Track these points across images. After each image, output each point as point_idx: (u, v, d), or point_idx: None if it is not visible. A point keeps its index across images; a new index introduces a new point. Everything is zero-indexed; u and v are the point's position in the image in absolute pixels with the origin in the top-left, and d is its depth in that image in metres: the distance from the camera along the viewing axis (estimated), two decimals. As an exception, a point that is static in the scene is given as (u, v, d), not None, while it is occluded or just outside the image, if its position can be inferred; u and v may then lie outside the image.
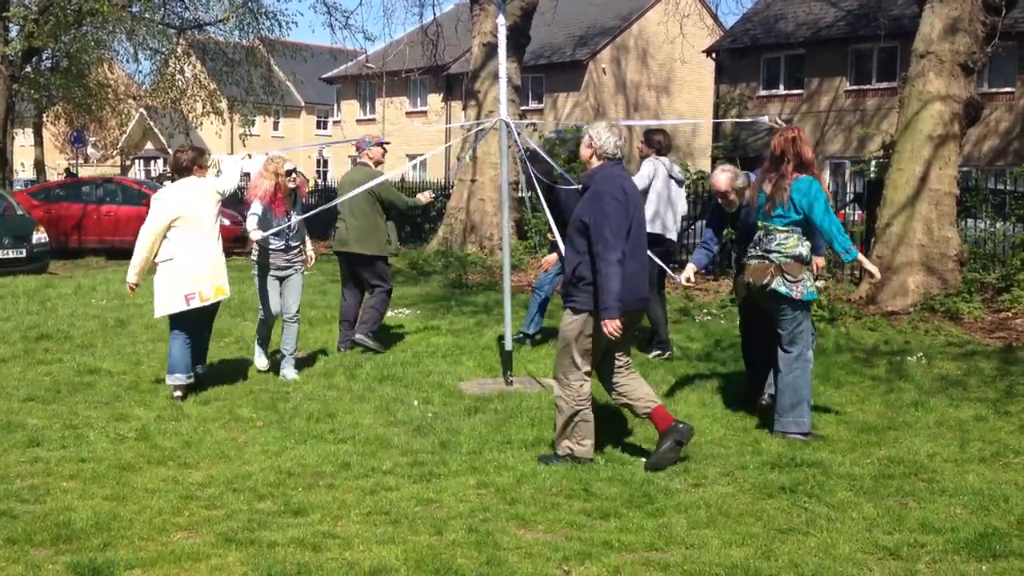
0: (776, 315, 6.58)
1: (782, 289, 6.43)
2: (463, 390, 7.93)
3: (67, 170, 40.26)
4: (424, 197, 9.52)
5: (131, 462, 5.99)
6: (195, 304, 7.54)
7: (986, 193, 14.46)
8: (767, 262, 6.50)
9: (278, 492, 5.47)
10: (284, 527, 4.93)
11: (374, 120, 43.25)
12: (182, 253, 7.53)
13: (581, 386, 6.04)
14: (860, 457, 6.16)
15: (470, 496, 5.44)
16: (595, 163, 6.00)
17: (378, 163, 9.38)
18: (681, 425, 6.02)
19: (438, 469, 5.88)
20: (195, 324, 7.75)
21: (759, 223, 6.65)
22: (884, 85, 28.06)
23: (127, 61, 28.55)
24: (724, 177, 7.34)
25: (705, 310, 11.87)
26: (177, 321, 7.60)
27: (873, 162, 17.18)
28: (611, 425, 6.83)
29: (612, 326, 5.68)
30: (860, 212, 15.75)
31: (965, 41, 11.85)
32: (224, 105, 27.61)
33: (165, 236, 7.57)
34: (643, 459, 6.11)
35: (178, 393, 7.56)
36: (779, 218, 6.49)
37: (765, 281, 6.47)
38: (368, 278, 9.24)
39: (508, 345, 8.18)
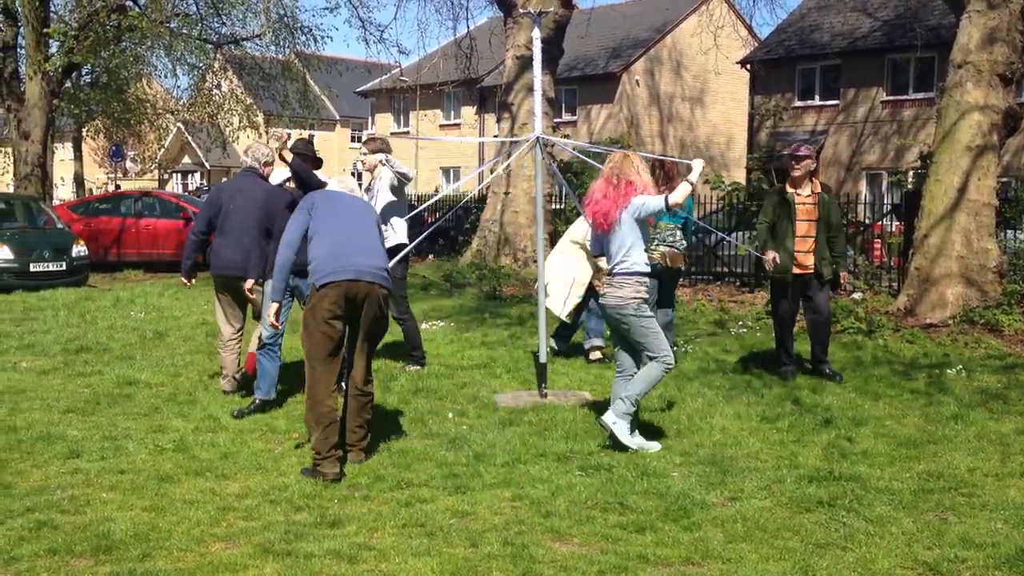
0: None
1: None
2: (498, 402, 7.93)
3: (117, 185, 40.80)
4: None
5: (169, 473, 6.05)
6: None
7: (1026, 204, 14.29)
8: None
9: (314, 504, 5.50)
10: (320, 538, 4.95)
11: (408, 133, 43.47)
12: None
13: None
14: (899, 471, 6.10)
15: (505, 509, 5.44)
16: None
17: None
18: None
19: (473, 482, 5.89)
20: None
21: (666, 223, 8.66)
22: (921, 95, 27.84)
23: (165, 76, 28.98)
24: None
25: (740, 322, 11.81)
26: None
27: (911, 173, 17.03)
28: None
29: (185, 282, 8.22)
30: (898, 223, 15.62)
31: (1003, 51, 11.73)
32: (260, 119, 27.87)
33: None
34: (675, 474, 6.09)
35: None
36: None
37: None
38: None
39: (543, 357, 8.18)
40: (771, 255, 8.52)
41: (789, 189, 8.73)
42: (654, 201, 6.54)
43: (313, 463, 6.00)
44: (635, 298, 6.53)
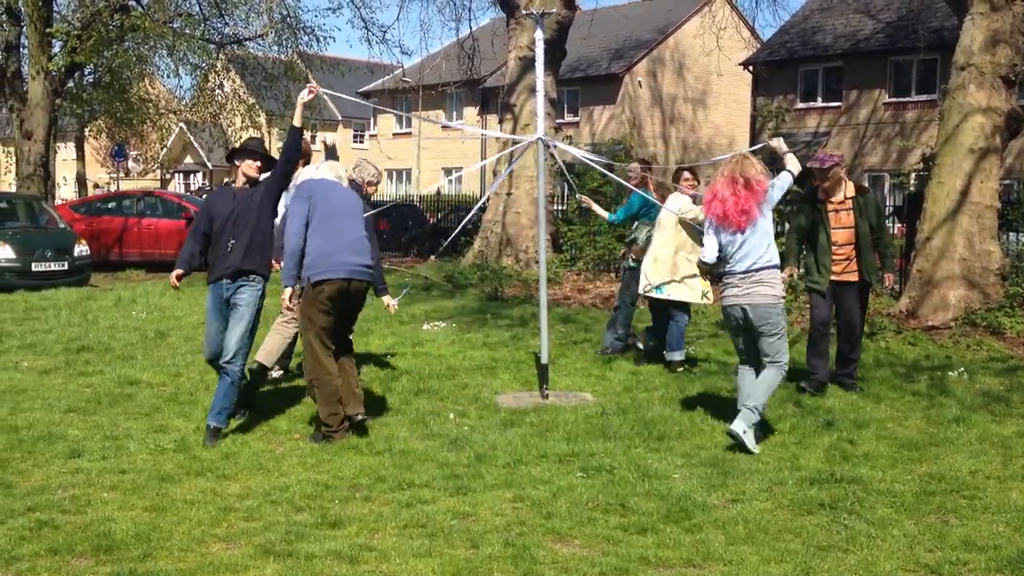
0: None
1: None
2: (499, 403, 7.93)
3: (95, 185, 40.81)
4: None
5: (170, 473, 6.04)
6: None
7: (1028, 206, 14.29)
8: None
9: (315, 504, 5.50)
10: (321, 539, 4.95)
11: (410, 134, 43.48)
12: None
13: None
14: (901, 473, 6.09)
15: (506, 510, 5.44)
16: None
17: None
18: None
19: (474, 482, 5.88)
20: None
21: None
22: (924, 97, 27.83)
23: (168, 76, 28.95)
24: None
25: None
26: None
27: (913, 175, 17.02)
28: (647, 439, 6.81)
29: None
30: (900, 225, 15.62)
31: (1006, 53, 11.73)
32: (263, 119, 27.87)
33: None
34: (677, 475, 6.08)
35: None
36: None
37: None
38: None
39: (544, 358, 8.17)
40: (787, 271, 8.18)
41: (820, 196, 8.26)
42: (787, 180, 6.95)
43: (324, 433, 6.76)
44: (784, 296, 6.83)
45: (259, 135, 8.26)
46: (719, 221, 6.76)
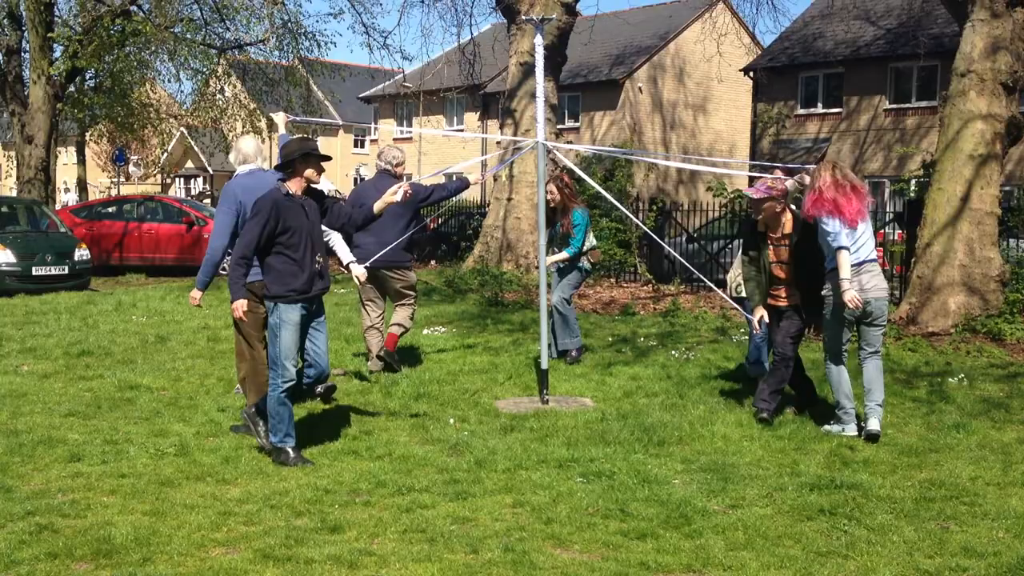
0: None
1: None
2: (499, 408, 7.93)
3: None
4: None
5: (170, 478, 6.04)
6: None
7: (1028, 213, 14.29)
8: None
9: (315, 509, 5.50)
10: (321, 544, 4.95)
11: (411, 139, 43.51)
12: None
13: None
14: (901, 480, 6.09)
15: (506, 515, 5.44)
16: None
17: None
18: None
19: (473, 488, 5.88)
20: None
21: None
22: (924, 104, 27.85)
23: (169, 81, 29.10)
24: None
25: (742, 329, 11.79)
26: None
27: (913, 181, 17.02)
28: (646, 444, 6.81)
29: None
30: (900, 232, 15.62)
31: (1007, 60, 11.74)
32: (263, 124, 27.91)
33: None
34: (677, 481, 6.08)
35: None
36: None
37: None
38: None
39: (544, 364, 8.17)
40: (758, 314, 7.45)
41: (759, 228, 7.48)
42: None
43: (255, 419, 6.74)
44: None
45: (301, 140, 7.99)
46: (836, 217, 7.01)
